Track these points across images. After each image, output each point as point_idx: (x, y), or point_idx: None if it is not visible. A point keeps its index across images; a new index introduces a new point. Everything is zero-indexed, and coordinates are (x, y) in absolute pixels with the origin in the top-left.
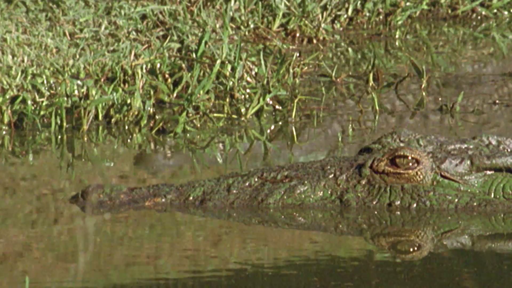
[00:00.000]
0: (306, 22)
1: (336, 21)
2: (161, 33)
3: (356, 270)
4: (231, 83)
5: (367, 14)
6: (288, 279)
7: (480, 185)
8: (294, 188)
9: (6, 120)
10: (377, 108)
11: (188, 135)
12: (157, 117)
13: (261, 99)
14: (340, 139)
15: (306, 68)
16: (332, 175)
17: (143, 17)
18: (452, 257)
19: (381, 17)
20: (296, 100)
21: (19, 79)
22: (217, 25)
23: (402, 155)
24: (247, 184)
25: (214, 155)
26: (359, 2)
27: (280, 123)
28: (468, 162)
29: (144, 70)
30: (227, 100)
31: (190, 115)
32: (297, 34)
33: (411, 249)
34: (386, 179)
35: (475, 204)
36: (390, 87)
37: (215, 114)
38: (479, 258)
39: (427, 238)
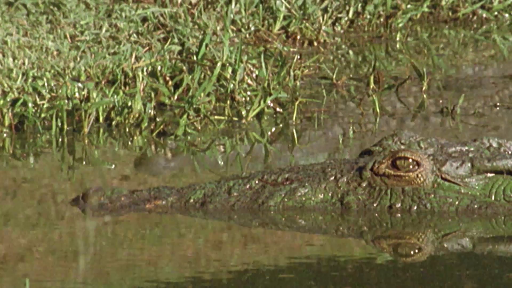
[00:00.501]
0: (307, 24)
1: (337, 24)
2: (162, 35)
3: (356, 273)
4: (232, 85)
5: (368, 16)
6: (288, 282)
7: (480, 187)
8: (295, 190)
9: (7, 122)
10: (377, 110)
11: (189, 137)
12: (158, 119)
13: (261, 102)
14: (341, 141)
15: (306, 70)
16: (333, 177)
17: (144, 19)
18: (452, 260)
19: (382, 19)
20: (297, 103)
21: (20, 81)
22: (218, 28)
23: (403, 156)
24: (247, 186)
25: (215, 157)
26: (360, 4)
27: (281, 125)
28: (469, 164)
29: (145, 73)
30: (228, 102)
31: (191, 117)
32: (298, 37)
33: (412, 252)
34: (386, 182)
35: (475, 206)
36: (391, 89)
37: (216, 117)
38: (479, 261)
39: (427, 240)
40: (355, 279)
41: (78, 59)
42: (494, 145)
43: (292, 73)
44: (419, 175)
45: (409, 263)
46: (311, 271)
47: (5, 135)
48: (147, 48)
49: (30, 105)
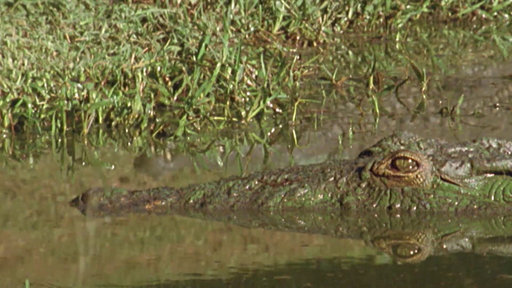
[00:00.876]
0: (307, 25)
1: (336, 24)
2: (162, 36)
3: (356, 273)
4: (231, 86)
5: (368, 17)
6: (287, 283)
7: (480, 188)
8: (295, 191)
9: (6, 123)
10: (377, 111)
11: (188, 138)
12: (157, 120)
13: (261, 102)
14: (340, 142)
15: (306, 71)
16: (332, 178)
17: (144, 20)
18: (452, 260)
19: (381, 20)
20: (296, 103)
21: (20, 82)
22: (218, 28)
23: (402, 156)
24: (247, 187)
25: (215, 158)
26: (359, 5)
27: (280, 126)
28: (469, 165)
29: (144, 73)
30: (228, 103)
31: (191, 118)
32: (298, 37)
33: (411, 252)
34: (386, 182)
35: (475, 207)
36: (390, 90)
37: (216, 117)
38: (479, 261)
39: (427, 241)
40: (354, 279)
41: (78, 59)
42: (494, 145)
43: (291, 74)
44: (419, 176)
45: (408, 263)
46: (310, 271)
47: (4, 136)
48: (147, 48)
49: (29, 106)
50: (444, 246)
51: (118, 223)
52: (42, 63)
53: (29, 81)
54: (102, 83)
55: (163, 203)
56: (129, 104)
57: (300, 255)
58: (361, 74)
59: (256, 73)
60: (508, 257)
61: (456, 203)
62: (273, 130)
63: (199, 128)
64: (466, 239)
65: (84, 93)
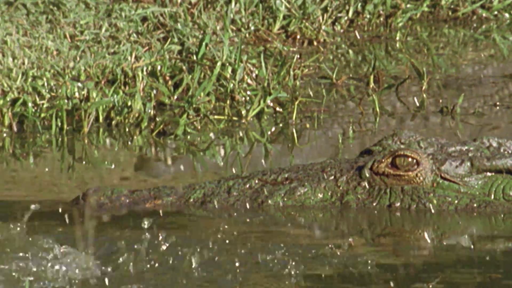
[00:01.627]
0: (307, 24)
1: (336, 23)
2: (162, 35)
3: (355, 272)
4: (231, 85)
5: (368, 16)
6: (286, 282)
7: (480, 186)
8: (295, 190)
9: (6, 122)
10: (377, 110)
11: (188, 137)
12: (157, 119)
13: (261, 101)
14: (340, 141)
15: (306, 70)
16: (333, 177)
17: (144, 19)
18: (452, 259)
19: (381, 19)
20: (296, 102)
21: (20, 81)
22: (218, 27)
23: (402, 154)
24: (247, 186)
25: (215, 157)
26: (359, 4)
27: (280, 125)
28: (468, 163)
29: (144, 72)
30: (228, 102)
31: (191, 117)
32: (298, 36)
33: (411, 251)
34: (386, 181)
35: (475, 205)
36: (390, 89)
37: (216, 116)
38: (479, 260)
39: (427, 239)
40: (354, 278)
41: (78, 58)
42: (494, 144)
43: (292, 73)
44: (419, 174)
45: (408, 262)
46: (310, 270)
47: (5, 134)
48: (147, 47)
49: (30, 104)
50: (444, 245)
51: (118, 222)
52: (42, 62)
53: (30, 80)
54: (103, 82)
55: (164, 202)
56: (129, 103)
57: (299, 254)
58: (362, 73)
59: (257, 72)
60: (508, 257)
61: (456, 201)
62: (273, 129)
63: (199, 127)
64: (466, 238)
65: (85, 92)
